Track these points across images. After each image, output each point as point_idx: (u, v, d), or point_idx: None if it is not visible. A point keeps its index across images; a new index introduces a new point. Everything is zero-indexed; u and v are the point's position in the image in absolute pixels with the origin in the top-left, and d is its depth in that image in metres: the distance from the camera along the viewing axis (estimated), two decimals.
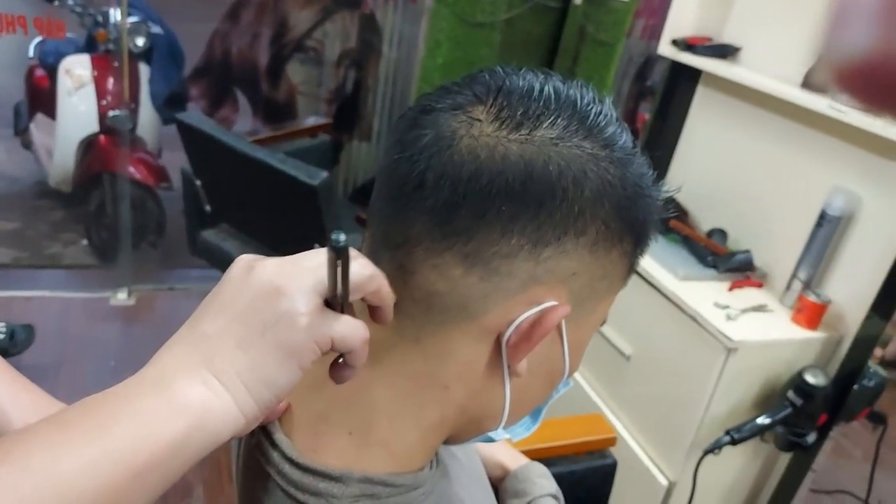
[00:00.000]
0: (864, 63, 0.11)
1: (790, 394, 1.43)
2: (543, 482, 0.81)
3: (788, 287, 1.58)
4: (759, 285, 1.65)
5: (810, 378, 1.42)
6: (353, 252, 0.42)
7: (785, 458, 1.61)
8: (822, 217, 1.50)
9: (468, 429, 0.50)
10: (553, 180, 0.41)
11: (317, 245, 1.53)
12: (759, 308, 1.54)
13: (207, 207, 1.81)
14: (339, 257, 0.38)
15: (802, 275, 1.55)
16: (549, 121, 0.42)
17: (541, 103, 0.43)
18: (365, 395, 0.46)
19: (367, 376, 0.46)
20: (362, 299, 0.42)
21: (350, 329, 0.40)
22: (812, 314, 1.49)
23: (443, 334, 0.45)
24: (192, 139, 1.70)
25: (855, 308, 1.47)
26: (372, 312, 0.44)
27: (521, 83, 0.44)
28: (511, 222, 0.41)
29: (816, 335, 1.49)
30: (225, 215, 1.87)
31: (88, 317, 2.37)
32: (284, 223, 1.63)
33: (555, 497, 0.80)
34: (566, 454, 1.10)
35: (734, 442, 1.40)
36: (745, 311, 1.51)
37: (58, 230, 2.91)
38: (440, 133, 0.43)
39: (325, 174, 1.47)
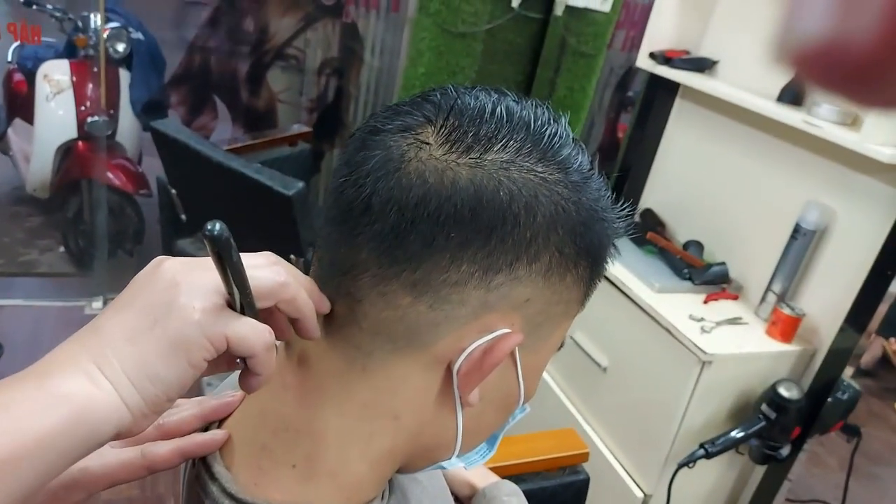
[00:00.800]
0: (821, 44, 0.11)
1: (764, 407, 1.44)
2: (513, 500, 0.80)
3: (763, 300, 1.59)
4: (735, 297, 1.66)
5: (784, 391, 1.42)
6: (267, 258, 0.42)
7: (760, 470, 1.62)
8: (797, 230, 1.51)
9: (421, 458, 0.49)
10: (504, 206, 0.40)
11: (292, 256, 1.50)
12: (734, 321, 1.54)
13: (183, 216, 1.79)
14: (217, 249, 0.36)
15: (777, 288, 1.56)
16: (501, 143, 0.41)
17: (492, 125, 0.42)
18: (311, 425, 0.45)
19: (314, 406, 0.45)
20: (280, 310, 0.41)
21: (249, 331, 0.39)
22: (786, 327, 1.50)
23: (392, 363, 0.44)
24: (167, 147, 1.69)
25: (829, 321, 1.48)
26: (295, 327, 0.43)
27: (472, 103, 0.43)
28: (460, 249, 0.40)
29: (790, 348, 1.50)
30: (201, 225, 1.85)
31: (63, 326, 2.32)
32: (260, 234, 1.62)
33: None
34: (537, 470, 1.09)
35: (708, 455, 1.40)
36: (719, 323, 1.51)
37: (34, 237, 2.87)
38: (388, 155, 0.41)
39: (300, 184, 1.46)
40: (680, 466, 1.40)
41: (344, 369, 0.44)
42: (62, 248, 2.80)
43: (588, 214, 0.43)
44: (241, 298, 0.38)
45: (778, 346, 1.50)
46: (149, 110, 2.66)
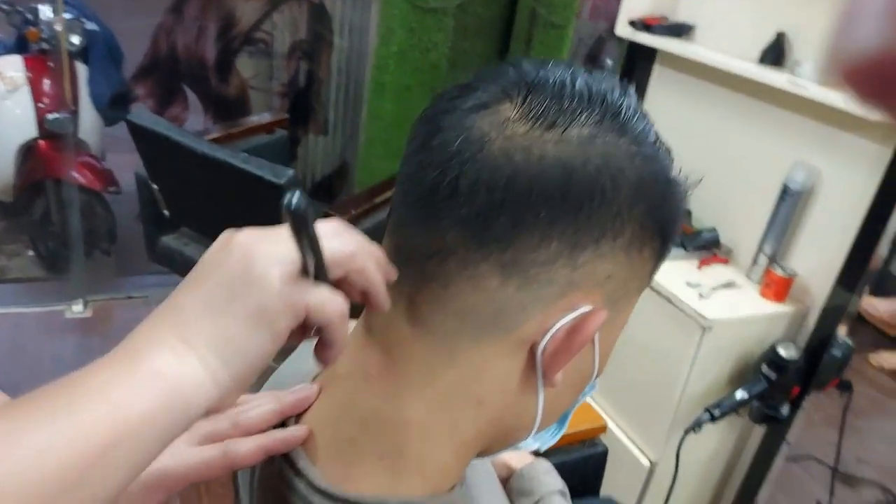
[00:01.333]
0: (870, 60, 0.11)
1: (764, 368, 1.46)
2: (549, 479, 0.80)
3: (755, 262, 1.61)
4: (726, 261, 1.68)
5: (783, 351, 1.45)
6: (335, 227, 0.41)
7: (759, 431, 1.65)
8: (785, 191, 1.54)
9: (499, 441, 0.48)
10: (592, 181, 0.39)
11: None
12: (728, 285, 1.56)
13: (166, 212, 1.74)
14: (295, 220, 0.36)
15: (768, 249, 1.58)
16: (583, 117, 0.40)
17: (573, 99, 0.41)
18: (398, 415, 0.44)
19: (400, 395, 0.44)
20: (352, 285, 0.40)
21: (326, 299, 0.38)
22: (779, 288, 1.53)
23: (477, 348, 0.43)
24: (146, 141, 1.62)
25: (821, 280, 1.51)
26: (364, 299, 0.42)
27: (549, 77, 0.42)
28: (550, 227, 0.39)
29: (785, 308, 1.53)
30: (185, 219, 1.80)
31: (44, 332, 2.26)
32: (249, 224, 1.57)
33: (562, 493, 0.80)
34: (558, 446, 1.09)
35: (714, 419, 1.42)
36: (715, 288, 1.53)
37: (0, 242, 2.76)
38: (469, 136, 0.40)
39: (290, 172, 1.42)
40: (686, 432, 1.42)
41: (429, 357, 0.43)
42: (31, 252, 2.70)
43: (664, 186, 0.43)
44: (315, 268, 0.38)
45: (772, 308, 1.52)
46: (113, 105, 2.57)
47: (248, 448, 0.47)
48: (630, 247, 0.42)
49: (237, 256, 0.37)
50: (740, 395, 1.45)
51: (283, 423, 0.49)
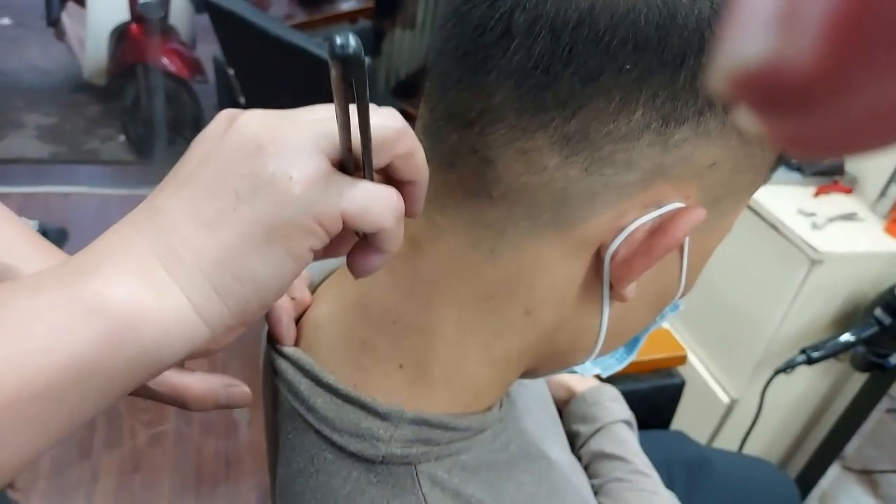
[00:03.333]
0: (757, 71, 0.11)
1: (878, 311, 1.30)
2: (615, 407, 0.72)
3: (883, 194, 1.42)
4: (849, 191, 1.48)
5: None
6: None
7: (858, 379, 1.50)
8: None
9: (551, 361, 0.39)
10: (703, 24, 0.28)
11: None
12: (849, 216, 1.38)
13: (242, 99, 1.69)
14: (346, 70, 0.24)
15: None
16: None
17: None
18: (424, 318, 0.36)
19: (428, 296, 0.36)
20: (387, 172, 0.30)
21: (372, 198, 0.28)
22: None
23: (528, 245, 0.33)
24: (224, 23, 1.56)
25: None
26: (404, 193, 0.30)
27: None
28: (636, 88, 0.29)
29: None
30: (260, 106, 1.75)
31: (125, 214, 2.31)
32: None
33: (628, 423, 0.71)
34: (628, 371, 1.00)
35: (810, 361, 1.28)
36: (832, 219, 1.35)
37: (95, 125, 2.84)
38: None
39: (366, 59, 1.33)
40: (777, 372, 1.29)
41: (467, 252, 0.34)
42: (122, 137, 2.77)
43: None
44: (361, 152, 0.27)
45: None
46: None
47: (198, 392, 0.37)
48: None
49: (242, 148, 0.27)
50: (846, 337, 1.29)
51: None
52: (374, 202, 0.28)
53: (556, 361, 0.39)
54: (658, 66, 0.28)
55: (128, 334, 0.24)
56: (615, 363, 0.44)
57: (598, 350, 0.38)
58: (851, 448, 1.57)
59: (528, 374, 0.40)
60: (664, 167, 0.31)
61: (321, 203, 0.27)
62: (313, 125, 0.27)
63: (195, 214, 0.26)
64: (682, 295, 0.39)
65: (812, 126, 0.11)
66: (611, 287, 0.35)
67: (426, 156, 0.32)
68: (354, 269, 0.30)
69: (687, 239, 0.35)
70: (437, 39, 0.35)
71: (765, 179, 0.37)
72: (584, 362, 0.40)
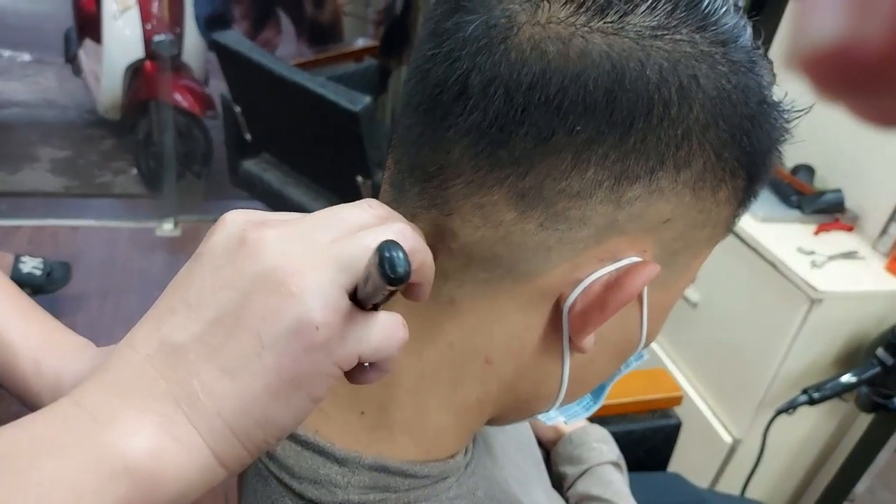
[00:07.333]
0: (827, 52, 0.11)
1: (880, 351, 1.28)
2: (602, 447, 0.71)
3: (884, 232, 1.41)
4: (850, 229, 1.48)
5: None
6: (376, 210, 0.30)
7: (863, 420, 1.47)
8: None
9: (515, 410, 0.40)
10: (652, 89, 0.29)
11: (359, 178, 1.39)
12: (849, 255, 1.37)
13: (248, 136, 1.72)
14: (389, 283, 0.25)
15: None
16: (648, 3, 0.29)
17: None
18: None
19: None
20: None
21: (383, 336, 0.28)
22: None
23: (487, 296, 0.34)
24: (230, 61, 1.60)
25: None
26: (407, 290, 0.32)
27: None
28: (587, 148, 0.30)
29: None
30: (266, 144, 1.78)
31: (134, 247, 2.34)
32: (326, 152, 1.53)
33: (616, 465, 0.71)
34: (625, 413, 0.99)
35: (812, 402, 1.26)
36: (832, 257, 1.35)
37: (108, 159, 2.89)
38: (492, 19, 0.30)
39: (367, 99, 1.35)
40: (778, 412, 1.28)
41: (427, 303, 0.35)
42: (134, 171, 2.81)
43: (756, 108, 0.32)
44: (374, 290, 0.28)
45: None
46: (211, 24, 2.59)
47: None
48: (700, 183, 0.32)
49: (259, 281, 0.26)
50: (848, 378, 1.28)
51: None
52: (385, 340, 0.28)
53: (520, 410, 0.40)
54: (607, 128, 0.29)
55: (152, 492, 0.25)
56: (581, 411, 0.44)
57: (560, 399, 0.39)
58: (861, 488, 1.54)
59: (494, 421, 0.40)
60: (617, 223, 0.32)
61: (343, 350, 0.27)
62: (333, 256, 0.27)
63: (215, 357, 0.26)
64: (645, 346, 0.40)
65: (888, 102, 0.11)
66: (570, 338, 0.35)
67: (391, 207, 0.33)
68: (353, 380, 0.31)
69: (646, 291, 0.35)
70: (404, 93, 0.36)
71: (725, 233, 0.37)
72: (547, 411, 0.40)
